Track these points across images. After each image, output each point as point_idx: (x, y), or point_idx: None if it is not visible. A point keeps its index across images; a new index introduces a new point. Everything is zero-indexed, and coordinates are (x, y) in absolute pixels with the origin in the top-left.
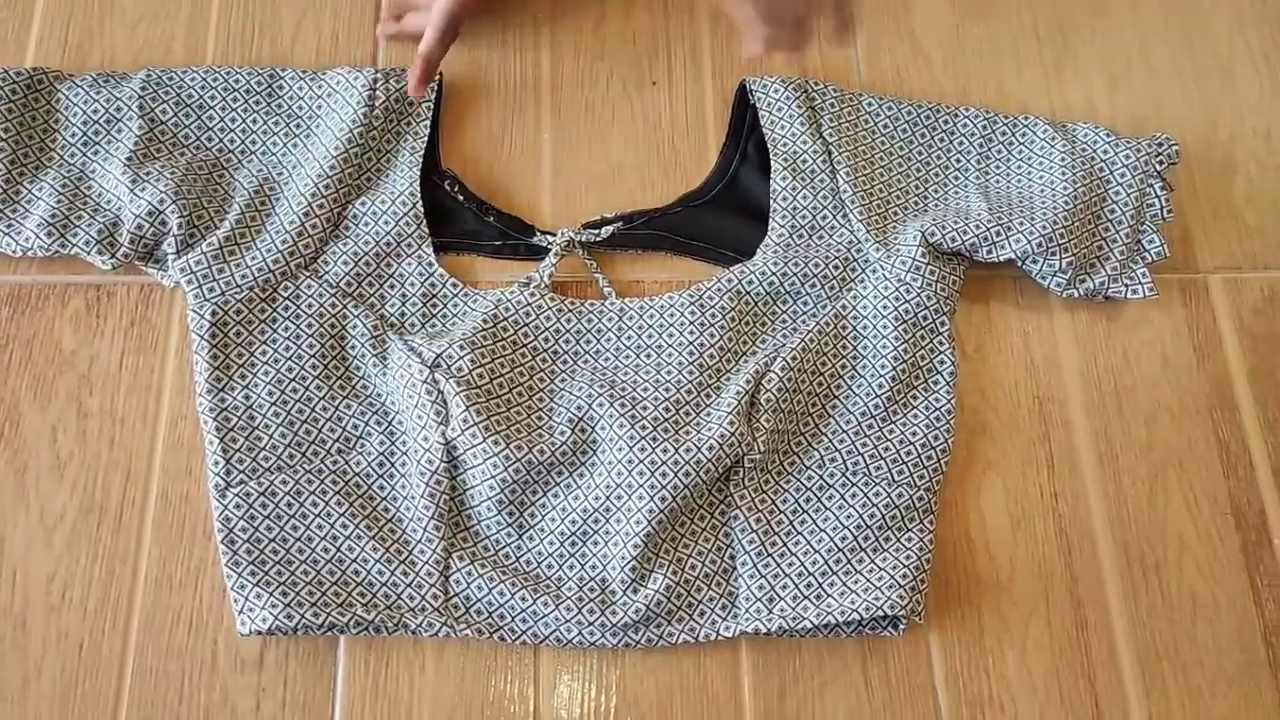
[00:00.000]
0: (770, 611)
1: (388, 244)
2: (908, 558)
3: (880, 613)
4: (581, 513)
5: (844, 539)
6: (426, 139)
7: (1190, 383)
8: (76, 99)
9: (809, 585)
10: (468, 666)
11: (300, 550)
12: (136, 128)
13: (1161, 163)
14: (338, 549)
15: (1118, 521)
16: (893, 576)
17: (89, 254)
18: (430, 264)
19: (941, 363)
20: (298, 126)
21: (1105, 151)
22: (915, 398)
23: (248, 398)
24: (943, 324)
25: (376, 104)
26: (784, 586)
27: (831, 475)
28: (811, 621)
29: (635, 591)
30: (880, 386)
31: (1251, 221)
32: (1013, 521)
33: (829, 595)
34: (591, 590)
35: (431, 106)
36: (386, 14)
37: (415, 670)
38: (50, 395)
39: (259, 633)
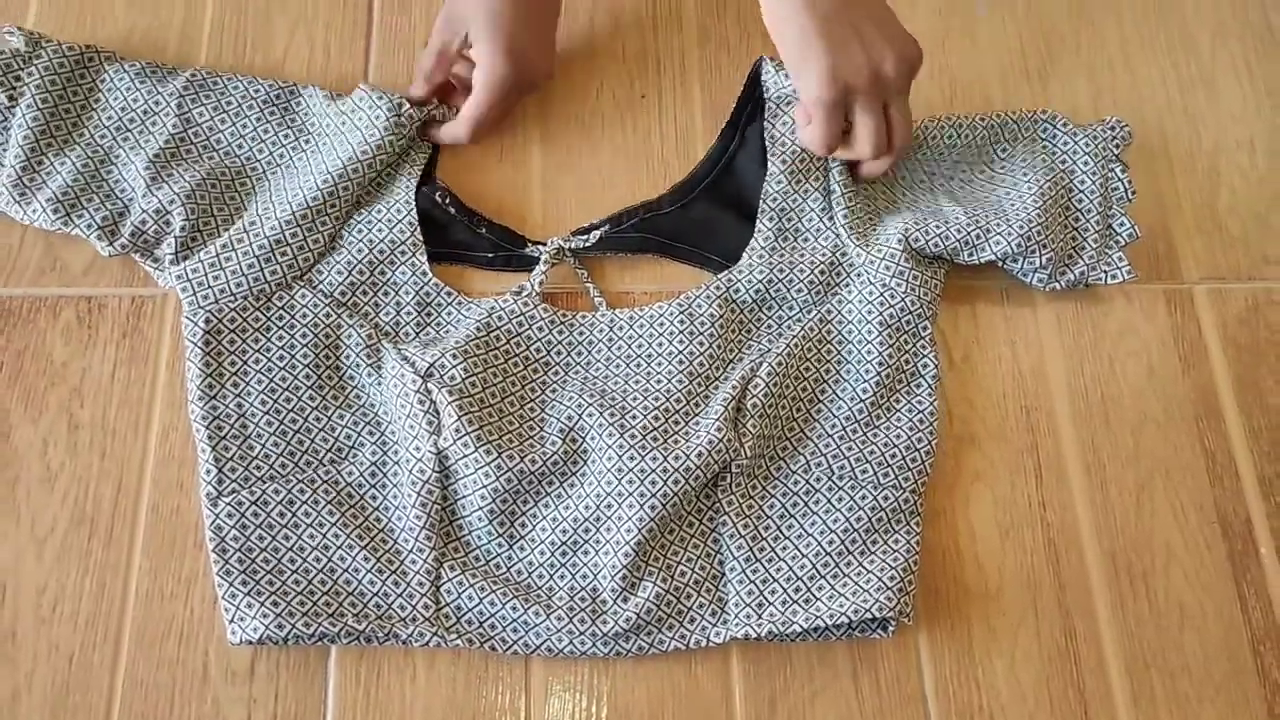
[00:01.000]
0: (759, 616)
1: (381, 252)
2: (895, 560)
3: (869, 615)
4: (572, 522)
5: (831, 543)
6: (429, 154)
7: (1176, 392)
8: (120, 84)
9: (797, 590)
10: (459, 677)
11: (292, 560)
12: (171, 125)
13: (1118, 145)
14: (329, 559)
15: (1105, 531)
16: (880, 579)
17: (89, 236)
18: (424, 272)
19: (924, 366)
20: (308, 143)
21: (1064, 142)
22: (899, 401)
23: (240, 406)
24: (925, 328)
25: (398, 130)
26: (773, 591)
27: (817, 480)
28: (800, 625)
29: (626, 600)
30: (864, 390)
31: (1235, 232)
32: (1001, 531)
33: (817, 599)
34: (582, 600)
35: None
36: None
37: (406, 681)
38: (41, 407)
39: (250, 642)
